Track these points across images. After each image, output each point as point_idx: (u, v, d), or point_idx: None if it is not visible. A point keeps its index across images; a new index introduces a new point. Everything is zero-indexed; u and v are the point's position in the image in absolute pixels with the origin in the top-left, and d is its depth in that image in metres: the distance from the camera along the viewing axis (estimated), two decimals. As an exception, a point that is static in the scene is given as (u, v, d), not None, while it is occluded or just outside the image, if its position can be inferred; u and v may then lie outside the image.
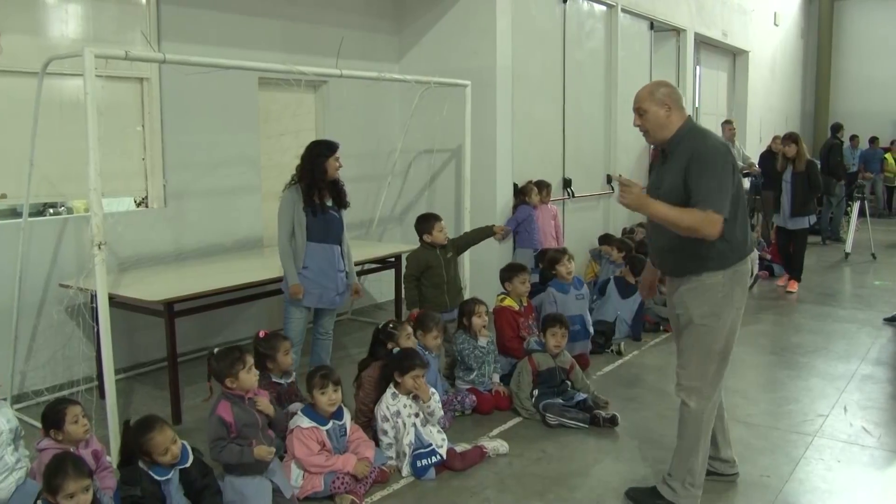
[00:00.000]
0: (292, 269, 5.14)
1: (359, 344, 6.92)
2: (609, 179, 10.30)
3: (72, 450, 3.57)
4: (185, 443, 3.70)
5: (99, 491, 3.48)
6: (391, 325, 4.99)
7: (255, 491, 3.82)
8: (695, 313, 3.73)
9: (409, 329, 4.99)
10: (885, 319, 7.79)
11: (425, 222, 5.97)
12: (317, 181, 5.15)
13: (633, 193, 3.57)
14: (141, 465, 3.54)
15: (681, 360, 3.86)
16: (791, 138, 9.01)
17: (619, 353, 6.67)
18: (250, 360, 4.02)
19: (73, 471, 3.14)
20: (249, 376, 3.97)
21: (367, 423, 4.67)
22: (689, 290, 3.75)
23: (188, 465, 3.64)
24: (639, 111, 3.81)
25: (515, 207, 8.22)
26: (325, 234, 5.21)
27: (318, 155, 5.17)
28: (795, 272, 9.30)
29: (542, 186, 8.31)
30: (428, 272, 5.87)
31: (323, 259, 5.21)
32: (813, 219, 9.16)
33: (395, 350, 4.81)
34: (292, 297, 5.16)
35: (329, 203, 5.26)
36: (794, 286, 9.20)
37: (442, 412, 4.70)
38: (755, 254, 3.83)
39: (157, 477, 3.53)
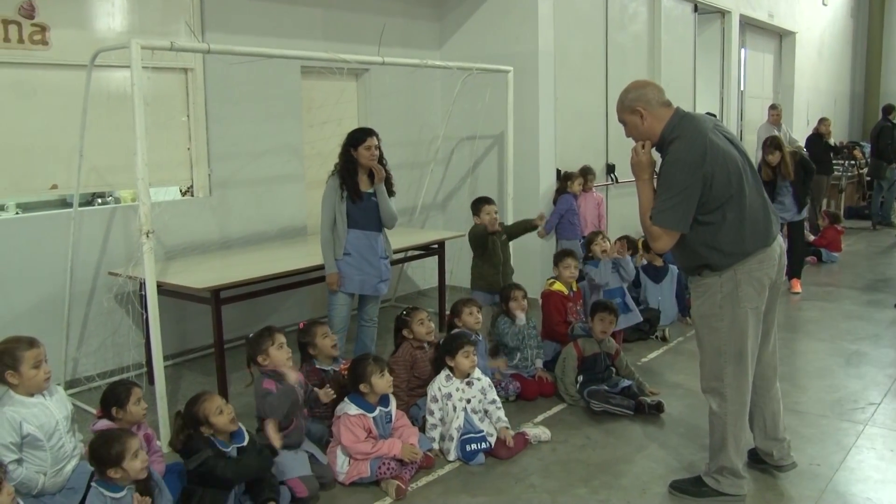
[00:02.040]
0: (330, 257, 5.19)
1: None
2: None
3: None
4: (241, 425, 3.81)
5: (154, 471, 3.55)
6: (405, 313, 5.02)
7: (292, 459, 3.97)
8: (697, 312, 3.72)
9: (423, 315, 4.99)
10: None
11: (476, 204, 6.13)
12: (351, 169, 5.16)
13: (639, 157, 3.64)
14: (204, 433, 3.64)
15: (699, 360, 3.83)
16: (774, 144, 7.94)
17: (665, 340, 6.61)
18: (280, 337, 4.17)
19: (126, 434, 3.29)
20: (280, 352, 4.13)
21: (405, 408, 4.71)
22: (694, 289, 3.73)
23: (244, 443, 3.73)
24: (622, 122, 3.74)
25: (557, 197, 8.12)
26: (365, 221, 5.22)
27: (351, 143, 5.18)
28: (796, 269, 8.35)
29: (586, 173, 8.20)
30: (485, 249, 5.96)
31: (364, 246, 5.22)
32: (804, 213, 8.40)
33: (410, 336, 4.91)
34: (329, 285, 5.22)
35: (370, 191, 5.25)
36: (797, 286, 8.40)
37: (494, 394, 4.72)
38: (779, 239, 3.59)
39: (220, 448, 3.64)
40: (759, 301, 3.60)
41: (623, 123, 3.73)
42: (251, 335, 4.24)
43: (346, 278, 5.22)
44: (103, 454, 3.21)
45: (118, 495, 3.24)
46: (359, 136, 5.19)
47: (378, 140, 5.21)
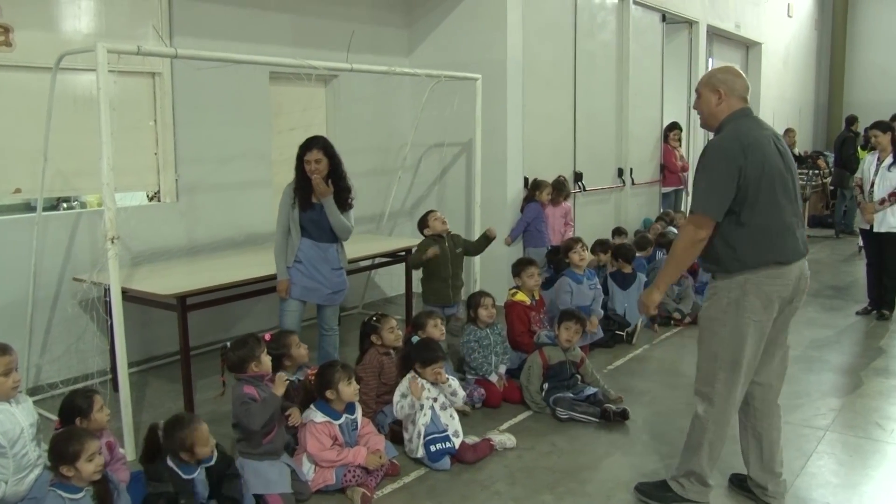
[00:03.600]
0: (282, 264, 5.17)
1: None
2: (620, 173, 10.27)
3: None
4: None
5: (112, 476, 3.53)
6: (374, 319, 5.01)
7: (276, 474, 3.93)
8: (703, 314, 3.73)
9: (393, 322, 4.99)
10: (857, 313, 7.81)
11: (421, 221, 6.23)
12: (300, 179, 5.11)
13: (644, 307, 3.81)
14: (170, 462, 3.56)
15: (697, 362, 3.81)
16: None
17: (630, 341, 6.73)
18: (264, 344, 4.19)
19: (85, 433, 3.27)
20: (268, 359, 4.16)
21: (372, 415, 4.71)
22: (707, 291, 3.76)
23: (212, 462, 3.68)
24: (697, 93, 3.78)
25: (524, 205, 8.17)
26: (317, 231, 5.16)
27: (299, 153, 5.12)
28: None
29: (559, 187, 8.22)
30: (431, 262, 5.96)
31: (315, 256, 5.18)
32: None
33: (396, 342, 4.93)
34: (279, 292, 5.21)
35: (325, 203, 5.12)
36: None
37: (463, 392, 4.76)
38: (803, 265, 3.59)
39: (184, 475, 3.56)
40: (764, 315, 3.56)
41: (698, 95, 3.76)
42: (230, 343, 4.18)
43: (295, 285, 5.19)
44: (61, 449, 3.21)
45: (76, 496, 3.22)
46: (302, 147, 5.12)
47: (327, 153, 5.08)
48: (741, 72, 3.79)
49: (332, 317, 5.50)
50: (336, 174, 5.16)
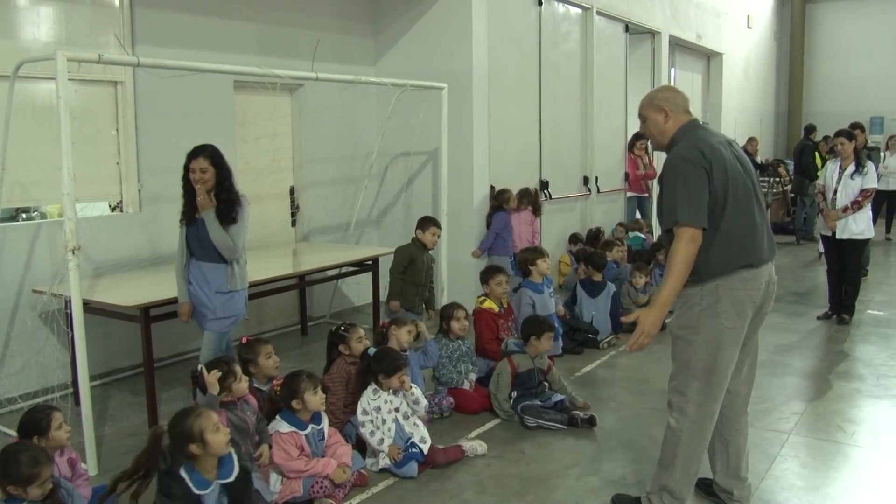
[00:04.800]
0: (182, 285, 4.80)
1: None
2: (586, 181, 10.34)
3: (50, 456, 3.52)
4: (234, 451, 3.49)
5: (64, 482, 3.43)
6: (343, 328, 4.98)
7: None
8: (674, 323, 3.69)
9: (361, 332, 4.97)
10: (818, 318, 7.92)
11: (424, 222, 6.27)
12: (186, 191, 4.75)
13: (644, 333, 3.48)
14: (182, 473, 3.29)
15: (671, 372, 3.74)
16: None
17: (613, 346, 6.90)
18: (238, 368, 4.10)
19: (43, 455, 3.16)
20: (241, 385, 4.07)
21: (340, 426, 4.67)
22: (676, 301, 3.65)
23: (232, 478, 3.41)
24: (641, 117, 3.79)
25: (490, 214, 8.19)
26: (200, 249, 4.75)
27: (186, 162, 4.72)
28: None
29: (524, 196, 8.30)
30: (412, 267, 6.05)
31: (199, 276, 4.78)
32: None
33: (364, 351, 4.87)
34: (179, 316, 4.83)
35: (206, 216, 4.69)
36: None
37: (426, 402, 4.75)
38: (771, 268, 3.59)
39: (196, 489, 3.28)
40: (738, 322, 3.53)
41: (643, 119, 3.76)
42: (201, 368, 4.06)
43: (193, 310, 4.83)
44: (11, 470, 3.07)
45: None
46: (188, 155, 4.71)
47: (214, 162, 4.69)
48: (674, 87, 3.85)
49: (218, 344, 4.89)
50: (221, 186, 4.71)
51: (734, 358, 3.60)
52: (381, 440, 4.43)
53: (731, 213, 3.48)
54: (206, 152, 4.70)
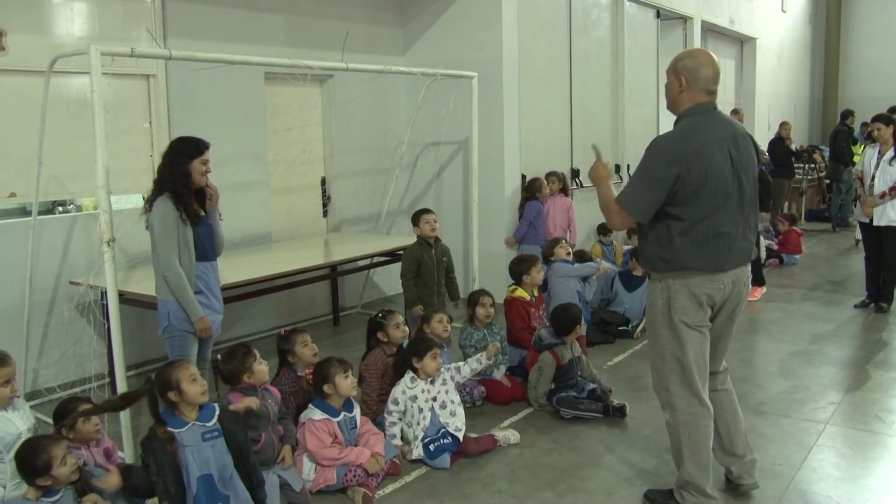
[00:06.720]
0: (194, 299, 4.33)
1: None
2: (617, 169, 10.26)
3: (82, 449, 3.57)
4: (216, 405, 3.63)
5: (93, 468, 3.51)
6: (380, 315, 4.97)
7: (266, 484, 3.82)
8: (647, 317, 3.72)
9: (399, 318, 4.96)
10: (855, 306, 7.79)
11: (415, 216, 6.13)
12: (179, 187, 4.24)
13: (598, 172, 3.73)
14: (163, 416, 3.47)
15: (650, 369, 3.77)
16: None
17: (633, 335, 6.83)
18: (257, 352, 4.10)
19: (46, 440, 3.23)
20: (262, 367, 4.07)
21: (373, 416, 4.69)
22: (647, 297, 3.72)
23: (211, 423, 3.53)
24: (666, 75, 3.68)
25: (523, 204, 8.16)
26: (211, 249, 4.52)
27: (180, 154, 4.28)
28: (755, 277, 8.08)
29: (552, 176, 8.23)
30: (421, 269, 5.93)
31: (213, 279, 4.54)
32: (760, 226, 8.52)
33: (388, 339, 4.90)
34: (200, 333, 4.37)
35: (203, 213, 4.45)
36: (756, 293, 8.21)
37: (469, 368, 4.79)
38: (740, 272, 3.57)
39: (171, 428, 3.44)
40: (698, 318, 3.52)
41: (666, 77, 3.67)
42: (221, 355, 4.11)
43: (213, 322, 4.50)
44: (30, 465, 3.16)
45: (53, 499, 3.20)
46: (192, 148, 4.31)
47: None
48: (712, 57, 3.61)
49: (209, 349, 4.71)
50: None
51: (704, 351, 3.59)
52: (395, 435, 4.50)
53: (699, 217, 3.42)
54: (209, 146, 4.42)
